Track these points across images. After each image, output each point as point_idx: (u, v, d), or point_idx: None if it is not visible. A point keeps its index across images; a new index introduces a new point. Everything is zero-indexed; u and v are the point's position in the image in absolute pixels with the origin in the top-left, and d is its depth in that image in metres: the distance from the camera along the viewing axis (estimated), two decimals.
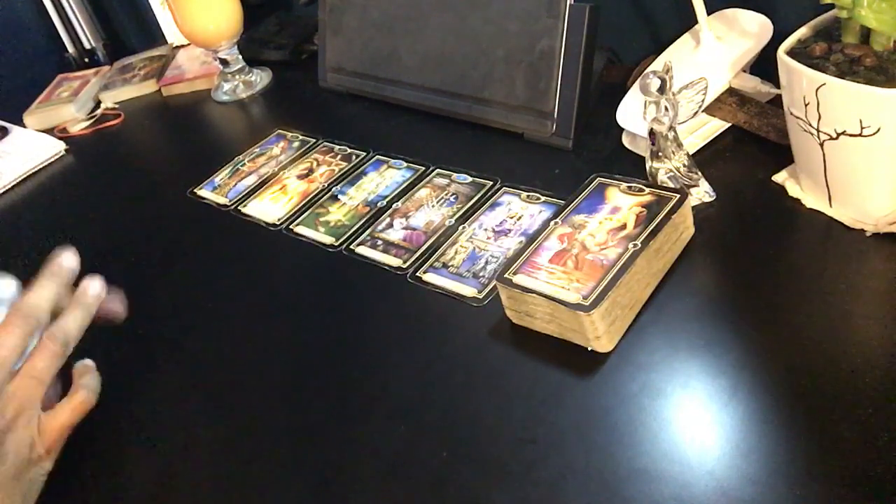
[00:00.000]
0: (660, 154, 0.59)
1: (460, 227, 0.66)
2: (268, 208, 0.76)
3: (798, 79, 0.50)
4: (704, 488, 0.41)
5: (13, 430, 0.47)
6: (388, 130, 0.85)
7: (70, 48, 1.33)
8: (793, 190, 0.59)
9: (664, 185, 0.59)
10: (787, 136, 0.57)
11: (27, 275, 0.53)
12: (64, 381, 0.54)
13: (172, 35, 1.22)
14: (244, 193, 0.79)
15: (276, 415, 0.54)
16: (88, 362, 0.56)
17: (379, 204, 0.72)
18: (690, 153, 0.61)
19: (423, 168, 0.75)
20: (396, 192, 0.73)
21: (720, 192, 0.61)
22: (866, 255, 0.53)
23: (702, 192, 0.60)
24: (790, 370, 0.46)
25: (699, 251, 0.57)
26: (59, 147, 1.00)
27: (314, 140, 0.85)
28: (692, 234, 0.58)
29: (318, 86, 0.97)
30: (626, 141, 0.70)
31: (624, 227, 0.54)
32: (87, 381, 0.54)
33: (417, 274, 0.62)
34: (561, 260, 0.53)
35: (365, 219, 0.70)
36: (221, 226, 0.76)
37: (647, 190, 0.57)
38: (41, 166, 0.98)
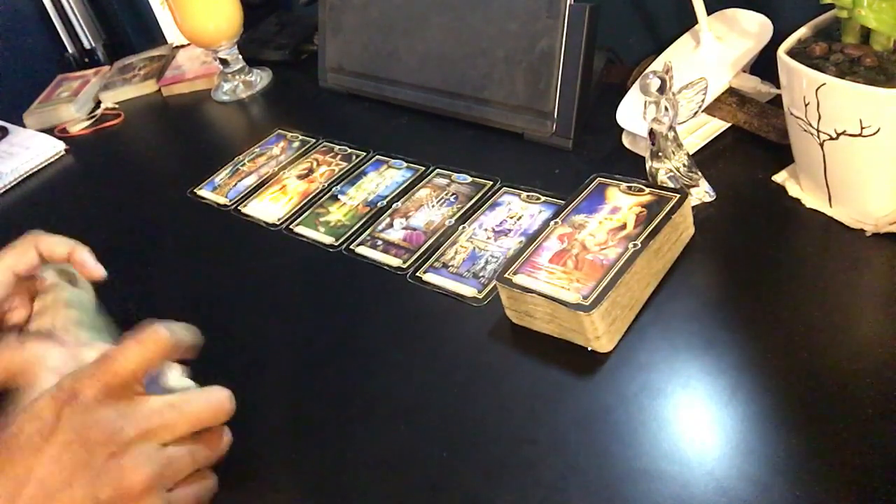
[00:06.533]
0: (660, 154, 0.59)
1: (460, 227, 0.65)
2: (268, 208, 0.76)
3: (798, 79, 0.50)
4: (704, 488, 0.41)
5: None
6: (388, 130, 0.85)
7: (70, 48, 1.33)
8: (793, 190, 0.59)
9: (664, 185, 0.59)
10: (787, 136, 0.57)
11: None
12: None
13: (172, 35, 1.22)
14: (244, 193, 0.79)
15: (276, 414, 0.54)
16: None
17: (379, 204, 0.72)
18: (690, 153, 0.61)
19: (423, 168, 0.75)
20: (396, 192, 0.73)
21: (720, 192, 0.61)
22: (866, 255, 0.53)
23: (702, 192, 0.60)
24: (790, 370, 0.46)
25: (699, 251, 0.57)
26: (59, 147, 1.00)
27: (314, 140, 0.85)
28: (692, 234, 0.58)
29: (318, 86, 0.97)
30: (626, 141, 0.70)
31: (624, 227, 0.54)
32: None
33: (417, 274, 0.62)
34: (561, 260, 0.53)
35: (365, 219, 0.70)
36: (221, 226, 0.76)
37: (647, 190, 0.57)
38: (41, 166, 0.98)
